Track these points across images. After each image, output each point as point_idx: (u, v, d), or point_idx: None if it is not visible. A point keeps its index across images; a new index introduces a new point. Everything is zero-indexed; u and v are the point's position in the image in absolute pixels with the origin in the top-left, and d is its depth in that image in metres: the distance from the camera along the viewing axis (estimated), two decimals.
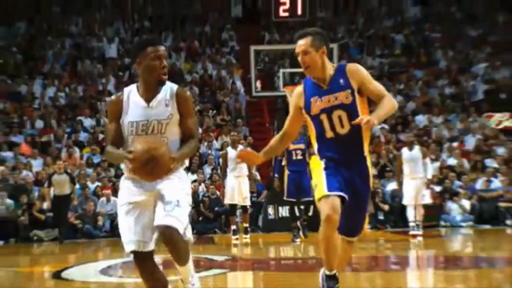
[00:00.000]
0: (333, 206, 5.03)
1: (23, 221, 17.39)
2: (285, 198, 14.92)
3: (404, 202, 15.26)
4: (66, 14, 29.08)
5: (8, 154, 20.00)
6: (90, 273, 10.03)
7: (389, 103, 5.19)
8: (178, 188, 4.83)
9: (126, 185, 5.00)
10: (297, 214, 14.89)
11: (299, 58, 5.31)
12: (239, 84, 24.78)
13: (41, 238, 17.25)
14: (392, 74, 25.69)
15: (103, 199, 18.14)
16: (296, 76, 20.15)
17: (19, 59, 26.01)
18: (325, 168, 5.23)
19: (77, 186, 17.79)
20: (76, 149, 20.52)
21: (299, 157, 14.47)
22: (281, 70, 20.91)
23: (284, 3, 22.80)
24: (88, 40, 27.52)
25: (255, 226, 17.60)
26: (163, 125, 4.86)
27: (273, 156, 6.05)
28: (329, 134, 5.24)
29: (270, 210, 18.12)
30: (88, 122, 22.33)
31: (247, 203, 15.06)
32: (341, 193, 5.11)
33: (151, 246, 4.95)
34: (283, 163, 14.81)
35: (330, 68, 5.33)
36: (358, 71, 5.27)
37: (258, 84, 22.11)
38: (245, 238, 14.69)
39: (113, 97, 5.13)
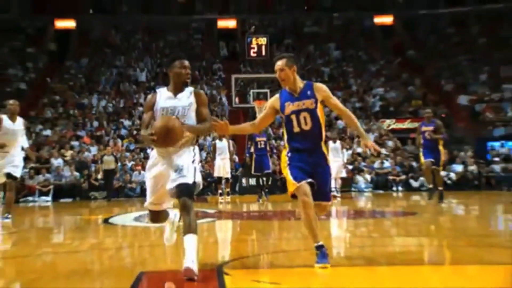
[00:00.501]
0: (305, 192, 4.66)
1: (84, 186, 17.42)
2: (252, 172, 14.97)
3: None
4: (114, 53, 29.01)
5: (75, 143, 19.91)
6: (127, 220, 9.92)
7: (354, 117, 5.04)
8: (188, 157, 4.60)
9: (152, 158, 4.76)
10: (261, 183, 14.85)
11: (277, 74, 4.96)
12: (224, 99, 24.64)
13: (96, 197, 17.17)
14: None
15: (136, 172, 18.06)
16: (261, 95, 20.15)
17: (83, 82, 25.86)
18: (289, 164, 4.88)
19: (119, 164, 17.76)
20: (119, 140, 20.34)
21: (262, 145, 14.49)
22: (252, 90, 20.85)
23: (253, 48, 22.76)
24: (127, 70, 27.28)
25: (234, 191, 17.49)
26: (185, 110, 4.62)
27: (238, 133, 5.75)
28: (296, 129, 4.89)
29: (244, 180, 18.15)
30: (127, 123, 22.10)
31: (229, 176, 15.04)
32: (307, 179, 4.73)
33: (163, 207, 4.87)
34: (251, 150, 14.86)
35: (300, 82, 4.98)
36: (322, 89, 4.93)
37: (237, 99, 22.11)
38: (227, 198, 14.72)
39: (149, 95, 4.89)
